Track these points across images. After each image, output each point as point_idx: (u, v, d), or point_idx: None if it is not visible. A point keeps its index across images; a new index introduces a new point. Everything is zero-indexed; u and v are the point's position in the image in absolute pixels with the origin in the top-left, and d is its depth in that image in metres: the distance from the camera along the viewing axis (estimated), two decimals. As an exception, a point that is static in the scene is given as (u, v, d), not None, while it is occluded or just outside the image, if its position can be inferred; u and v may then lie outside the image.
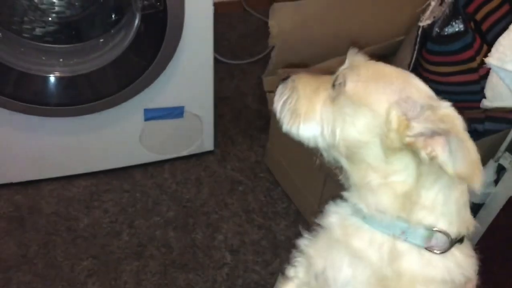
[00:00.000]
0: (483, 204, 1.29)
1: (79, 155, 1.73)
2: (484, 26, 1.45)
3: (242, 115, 2.08)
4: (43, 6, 1.52)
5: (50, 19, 1.52)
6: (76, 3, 1.53)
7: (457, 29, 1.34)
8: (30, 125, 1.56)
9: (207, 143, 1.86)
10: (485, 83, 1.29)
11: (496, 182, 1.24)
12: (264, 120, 2.00)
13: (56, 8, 1.52)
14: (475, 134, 1.44)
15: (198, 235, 1.65)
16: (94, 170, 1.80)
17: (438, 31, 1.37)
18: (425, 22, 1.38)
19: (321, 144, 0.84)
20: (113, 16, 1.49)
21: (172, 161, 1.86)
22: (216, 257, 1.59)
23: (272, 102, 1.65)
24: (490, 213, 1.22)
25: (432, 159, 0.67)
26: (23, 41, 1.48)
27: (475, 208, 1.32)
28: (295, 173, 1.70)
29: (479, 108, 1.41)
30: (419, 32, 1.38)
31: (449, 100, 1.45)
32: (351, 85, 0.76)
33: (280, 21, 1.50)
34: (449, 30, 1.37)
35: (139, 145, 1.76)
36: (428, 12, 1.40)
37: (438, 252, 0.73)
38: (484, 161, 1.23)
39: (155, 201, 1.75)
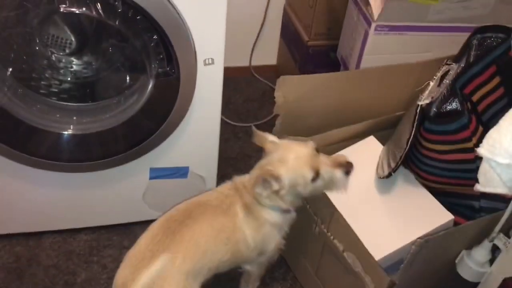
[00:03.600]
0: (478, 283, 1.31)
1: (82, 209, 1.77)
2: (480, 108, 1.52)
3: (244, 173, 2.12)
4: (61, 65, 1.59)
5: (67, 78, 1.60)
6: (93, 65, 1.61)
7: (452, 110, 1.40)
8: (36, 178, 1.60)
9: (209, 204, 1.89)
10: (480, 162, 1.34)
11: (491, 261, 1.26)
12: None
13: (74, 67, 1.60)
14: (471, 210, 1.48)
15: None
16: (96, 225, 1.82)
17: (436, 110, 1.43)
18: (423, 101, 1.45)
19: None
20: (127, 80, 1.56)
21: (173, 219, 1.88)
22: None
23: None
24: (485, 292, 1.24)
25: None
26: (40, 98, 1.54)
27: (472, 286, 1.33)
28: (294, 238, 1.72)
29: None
30: (418, 111, 1.45)
31: (446, 176, 1.50)
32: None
33: (285, 92, 1.57)
34: (447, 107, 1.44)
35: (142, 202, 1.79)
36: (426, 92, 1.48)
37: None
38: (479, 241, 1.27)
39: (154, 259, 1.75)
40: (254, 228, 1.35)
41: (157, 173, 1.71)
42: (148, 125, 1.51)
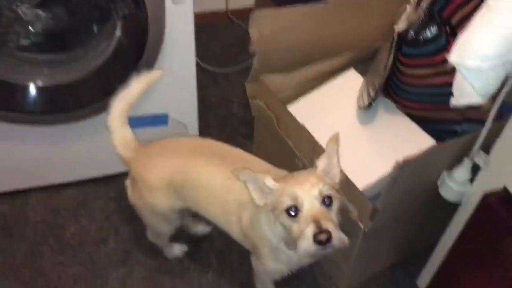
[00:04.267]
0: (460, 203, 1.32)
1: (65, 164, 1.75)
2: (459, 30, 1.48)
3: (227, 123, 2.10)
4: (28, 17, 1.53)
5: (34, 30, 1.54)
6: (60, 15, 1.55)
7: (430, 35, 1.37)
8: (14, 134, 1.57)
9: (193, 150, 1.88)
10: (459, 84, 1.32)
11: (471, 181, 1.27)
12: (249, 127, 2.02)
13: (40, 19, 1.54)
14: (453, 136, 1.47)
15: (183, 240, 1.67)
16: (81, 179, 1.81)
17: (413, 35, 1.40)
18: (400, 26, 1.41)
19: None
20: (95, 26, 1.51)
21: (158, 168, 1.88)
22: (202, 262, 1.60)
23: (255, 109, 1.69)
24: (467, 211, 1.25)
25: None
26: (8, 51, 1.50)
27: (453, 208, 1.35)
28: (279, 177, 1.73)
29: (457, 110, 1.44)
30: (395, 37, 1.41)
31: (426, 101, 1.49)
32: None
33: (260, 27, 1.52)
34: (424, 35, 1.40)
35: (125, 153, 1.77)
36: (403, 16, 1.44)
37: None
38: (460, 162, 1.27)
39: (141, 208, 1.76)
40: (250, 227, 1.22)
41: (137, 122, 1.66)
42: (120, 72, 1.47)
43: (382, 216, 1.27)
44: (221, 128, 2.07)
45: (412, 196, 1.33)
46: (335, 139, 1.14)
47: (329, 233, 0.98)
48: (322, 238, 0.98)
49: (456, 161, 1.27)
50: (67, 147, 1.70)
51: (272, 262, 1.25)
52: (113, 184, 1.82)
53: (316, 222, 0.99)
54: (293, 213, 1.03)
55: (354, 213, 1.32)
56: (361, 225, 1.31)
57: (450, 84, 1.40)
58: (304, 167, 1.54)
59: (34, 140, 1.62)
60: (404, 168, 1.16)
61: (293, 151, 1.52)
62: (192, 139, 1.38)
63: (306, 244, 1.00)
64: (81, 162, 1.78)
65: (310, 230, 0.99)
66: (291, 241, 1.06)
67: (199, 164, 1.28)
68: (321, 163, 1.11)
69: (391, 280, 1.59)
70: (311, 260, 1.27)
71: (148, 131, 1.72)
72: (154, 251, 1.63)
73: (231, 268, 1.59)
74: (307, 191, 1.03)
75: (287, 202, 1.03)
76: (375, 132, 1.54)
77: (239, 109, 2.16)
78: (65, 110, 1.52)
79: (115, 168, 1.83)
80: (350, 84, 1.66)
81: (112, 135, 1.36)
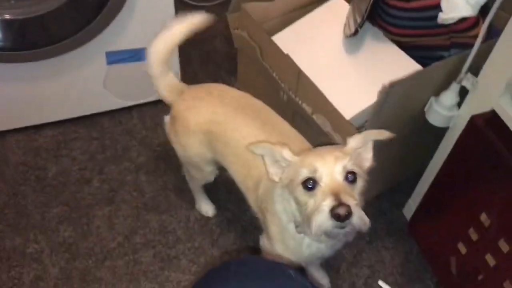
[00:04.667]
0: (447, 129, 1.30)
1: (43, 104, 1.69)
2: None
3: (210, 58, 2.04)
4: None
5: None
6: None
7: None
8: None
9: (175, 87, 1.82)
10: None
11: (459, 105, 1.24)
12: (233, 62, 1.96)
13: None
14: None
15: (169, 177, 1.65)
16: (60, 119, 1.76)
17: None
18: None
19: None
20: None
21: (140, 107, 1.83)
22: (189, 198, 1.59)
23: (238, 40, 1.62)
24: (454, 135, 1.23)
25: None
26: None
27: (441, 133, 1.33)
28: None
29: (444, 34, 1.39)
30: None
31: (415, 27, 1.43)
32: None
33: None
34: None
35: (105, 91, 1.71)
36: None
37: None
38: (447, 86, 1.24)
39: (125, 147, 1.73)
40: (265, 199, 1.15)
41: (114, 57, 1.61)
42: (93, 2, 1.38)
43: (368, 144, 1.24)
44: (204, 64, 2.00)
45: (398, 123, 1.30)
46: (381, 132, 1.02)
47: (348, 207, 0.86)
48: (340, 212, 0.86)
49: (444, 87, 1.24)
50: (41, 87, 1.63)
51: (279, 245, 1.15)
52: (95, 124, 1.78)
53: (336, 195, 0.88)
54: (310, 186, 0.92)
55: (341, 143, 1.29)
56: (348, 155, 1.29)
57: (436, 7, 1.35)
58: (289, 100, 1.50)
59: (6, 79, 1.55)
60: (390, 93, 1.13)
61: (277, 83, 1.48)
62: (242, 94, 1.28)
63: (321, 218, 0.88)
64: (58, 102, 1.71)
65: (327, 203, 0.88)
66: (305, 220, 0.96)
67: (238, 121, 1.20)
68: (352, 141, 0.99)
69: (378, 210, 1.60)
70: (322, 253, 1.14)
71: (127, 67, 1.66)
72: (140, 190, 1.61)
73: (218, 204, 1.58)
74: (329, 164, 0.92)
75: (304, 174, 0.93)
76: (362, 61, 1.49)
77: (222, 44, 2.09)
78: (36, 46, 1.44)
79: (95, 108, 1.78)
80: (336, 12, 1.59)
81: (155, 82, 1.27)
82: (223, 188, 1.60)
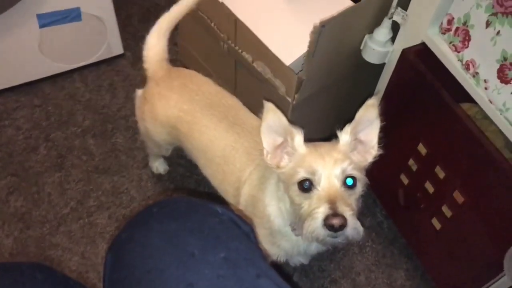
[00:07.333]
0: (383, 65, 1.33)
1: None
2: None
3: (151, 14, 1.98)
4: None
5: None
6: None
7: None
8: None
9: (115, 47, 1.77)
10: None
11: (393, 40, 1.26)
12: (175, 17, 1.91)
13: None
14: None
15: (118, 139, 1.63)
16: (-1, 89, 1.70)
17: None
18: None
19: None
20: None
21: (82, 69, 1.78)
22: (140, 157, 1.59)
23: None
24: (390, 70, 1.25)
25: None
26: None
27: (379, 69, 1.35)
28: (208, 64, 1.68)
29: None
30: None
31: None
32: None
33: None
34: None
35: (42, 56, 1.65)
36: None
37: None
38: (380, 20, 1.25)
39: (70, 112, 1.69)
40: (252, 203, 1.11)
41: (46, 19, 1.55)
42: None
43: (307, 86, 1.26)
44: (144, 21, 1.95)
45: (335, 63, 1.32)
46: (372, 104, 0.94)
47: (344, 219, 0.82)
48: (334, 222, 0.82)
49: (377, 23, 1.25)
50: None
51: (268, 245, 1.11)
52: (36, 91, 1.72)
53: (332, 203, 0.84)
54: (306, 187, 0.88)
55: (281, 88, 1.30)
56: (289, 99, 1.30)
57: None
58: (230, 49, 1.48)
59: None
60: (323, 31, 1.13)
61: (216, 33, 1.46)
62: (217, 90, 1.23)
63: (314, 225, 0.84)
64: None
65: (322, 211, 0.84)
66: (298, 222, 0.93)
67: (205, 123, 1.16)
68: (345, 135, 0.93)
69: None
70: (318, 250, 1.11)
71: (63, 29, 1.60)
72: (89, 153, 1.59)
73: (170, 161, 1.58)
74: (328, 167, 0.87)
75: (301, 174, 0.88)
76: (300, 5, 1.48)
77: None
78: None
79: (34, 74, 1.72)
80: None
81: (145, 46, 1.26)
82: (173, 144, 1.60)
